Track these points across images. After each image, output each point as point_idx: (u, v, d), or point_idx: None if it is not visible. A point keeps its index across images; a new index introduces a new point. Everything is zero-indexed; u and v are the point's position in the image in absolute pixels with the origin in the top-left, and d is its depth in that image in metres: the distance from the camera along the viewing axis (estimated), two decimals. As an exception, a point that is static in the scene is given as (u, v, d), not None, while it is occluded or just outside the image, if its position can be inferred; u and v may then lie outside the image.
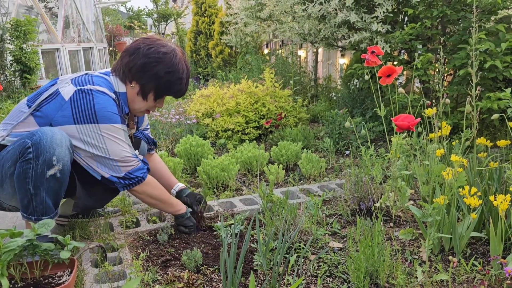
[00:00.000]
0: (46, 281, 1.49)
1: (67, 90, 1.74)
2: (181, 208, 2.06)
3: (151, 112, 2.03)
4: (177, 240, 2.02)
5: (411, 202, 2.22)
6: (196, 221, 2.11)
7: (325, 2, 3.62)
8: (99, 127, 1.72)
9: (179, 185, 2.26)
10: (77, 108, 1.72)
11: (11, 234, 1.43)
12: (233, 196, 2.65)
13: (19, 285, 1.45)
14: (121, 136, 1.78)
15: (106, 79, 1.84)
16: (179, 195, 2.20)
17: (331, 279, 1.69)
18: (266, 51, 8.50)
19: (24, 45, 7.10)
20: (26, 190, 1.65)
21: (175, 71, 1.84)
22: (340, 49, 4.98)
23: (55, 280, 1.49)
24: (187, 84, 1.93)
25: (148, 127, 2.31)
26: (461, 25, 3.15)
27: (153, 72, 1.81)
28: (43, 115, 1.74)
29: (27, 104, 1.79)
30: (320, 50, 6.41)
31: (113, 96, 1.80)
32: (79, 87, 1.74)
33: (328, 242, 1.98)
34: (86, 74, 1.85)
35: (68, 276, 1.51)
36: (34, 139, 1.62)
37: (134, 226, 2.21)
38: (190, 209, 2.12)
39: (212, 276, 1.72)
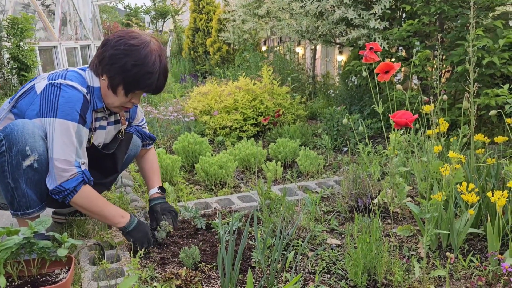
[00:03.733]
0: (44, 279, 1.48)
1: (41, 85, 1.73)
2: (120, 221, 1.82)
3: (137, 107, 1.92)
4: (175, 237, 2.02)
5: (409, 198, 2.22)
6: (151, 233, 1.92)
7: (322, -1, 3.62)
8: (55, 122, 1.66)
9: (153, 191, 2.13)
10: (44, 101, 1.69)
11: (8, 232, 1.43)
12: (231, 193, 2.65)
13: (16, 283, 1.45)
14: (71, 137, 1.69)
15: (81, 74, 1.80)
16: (150, 204, 2.10)
17: (329, 276, 1.69)
18: (264, 48, 8.49)
19: (21, 43, 7.08)
20: (6, 184, 1.65)
21: (144, 64, 1.72)
22: (338, 46, 4.97)
23: (52, 278, 1.49)
24: (161, 80, 1.80)
25: (144, 122, 2.23)
26: (459, 21, 3.15)
27: (120, 65, 1.73)
28: (18, 111, 1.74)
29: (9, 101, 1.80)
30: (318, 47, 6.40)
31: (84, 91, 1.75)
32: (50, 81, 1.72)
33: (326, 239, 1.98)
34: (66, 69, 1.83)
35: (66, 274, 1.50)
36: (5, 132, 1.63)
37: (132, 223, 2.21)
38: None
39: (210, 273, 1.72)
